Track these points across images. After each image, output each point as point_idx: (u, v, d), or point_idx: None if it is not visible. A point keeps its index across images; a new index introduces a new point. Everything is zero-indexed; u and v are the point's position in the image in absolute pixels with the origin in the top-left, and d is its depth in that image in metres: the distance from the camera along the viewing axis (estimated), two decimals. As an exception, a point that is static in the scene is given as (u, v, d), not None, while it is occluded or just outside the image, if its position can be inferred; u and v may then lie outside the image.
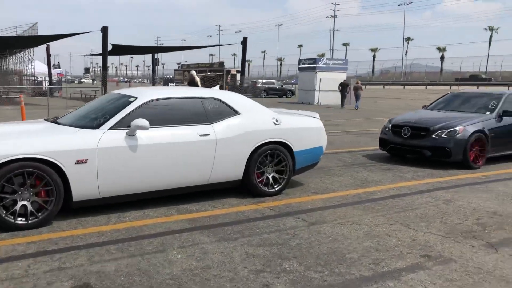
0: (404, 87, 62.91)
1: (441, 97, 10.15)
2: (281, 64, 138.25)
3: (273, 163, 5.92)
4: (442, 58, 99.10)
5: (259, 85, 40.85)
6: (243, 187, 5.86)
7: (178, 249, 4.04)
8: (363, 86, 31.54)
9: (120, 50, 32.97)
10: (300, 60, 32.32)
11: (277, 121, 5.95)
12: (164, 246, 4.11)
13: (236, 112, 5.73)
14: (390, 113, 20.92)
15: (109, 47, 27.81)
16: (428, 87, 61.34)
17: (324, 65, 30.12)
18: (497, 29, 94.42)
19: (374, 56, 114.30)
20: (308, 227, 4.78)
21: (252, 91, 40.63)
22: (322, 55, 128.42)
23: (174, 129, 5.23)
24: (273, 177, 5.94)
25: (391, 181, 7.11)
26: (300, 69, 32.01)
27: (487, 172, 7.91)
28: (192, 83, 15.00)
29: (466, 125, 8.10)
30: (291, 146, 6.00)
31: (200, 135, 5.32)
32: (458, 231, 4.74)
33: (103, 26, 25.37)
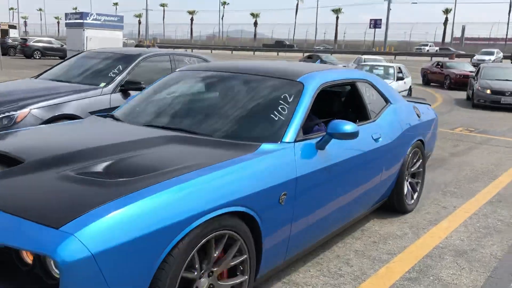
0: (211, 52, 61.52)
1: (66, 59, 6.83)
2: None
3: None
4: (255, 24, 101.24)
5: (31, 43, 34.10)
6: None
7: None
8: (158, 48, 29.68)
9: None
10: (66, 15, 26.95)
11: None
12: None
13: None
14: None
15: None
16: (234, 52, 61.18)
17: (94, 21, 25.49)
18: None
19: (192, 19, 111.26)
20: None
21: (21, 51, 33.76)
22: (139, 16, 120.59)
23: None
24: None
25: None
26: (67, 25, 26.72)
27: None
28: None
29: (38, 107, 4.81)
30: None
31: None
32: None
33: None
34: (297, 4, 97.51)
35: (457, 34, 72.98)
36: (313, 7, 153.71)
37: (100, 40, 25.47)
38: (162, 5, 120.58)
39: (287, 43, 71.57)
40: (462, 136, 9.22)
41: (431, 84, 21.46)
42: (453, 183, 5.73)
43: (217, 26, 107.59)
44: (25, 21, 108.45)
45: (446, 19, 73.45)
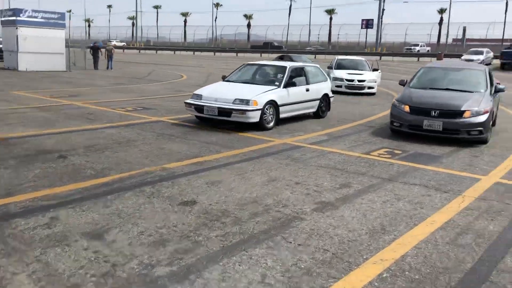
0: (194, 53, 58.67)
1: None
2: (89, 26, 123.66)
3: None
4: (248, 25, 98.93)
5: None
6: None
7: None
8: (115, 49, 30.22)
9: None
10: (1, 12, 24.41)
11: None
12: None
13: None
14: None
15: None
16: (216, 53, 58.48)
17: (29, 19, 22.90)
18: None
19: (185, 21, 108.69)
20: None
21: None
22: (132, 18, 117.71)
23: None
24: None
25: None
26: (2, 23, 24.19)
27: None
28: None
29: None
30: None
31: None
32: None
33: None
34: (290, 5, 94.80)
35: (453, 34, 70.04)
36: (306, 7, 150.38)
37: (37, 39, 22.92)
38: (156, 7, 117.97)
39: (276, 44, 68.97)
40: (372, 164, 6.45)
41: None
42: None
43: (211, 28, 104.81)
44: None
45: (441, 19, 70.55)
